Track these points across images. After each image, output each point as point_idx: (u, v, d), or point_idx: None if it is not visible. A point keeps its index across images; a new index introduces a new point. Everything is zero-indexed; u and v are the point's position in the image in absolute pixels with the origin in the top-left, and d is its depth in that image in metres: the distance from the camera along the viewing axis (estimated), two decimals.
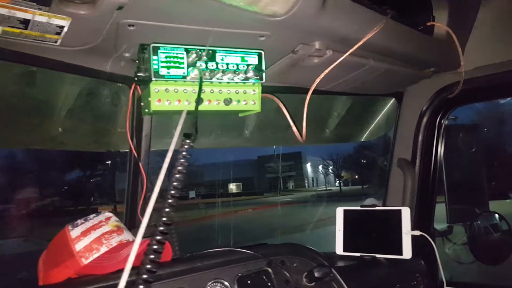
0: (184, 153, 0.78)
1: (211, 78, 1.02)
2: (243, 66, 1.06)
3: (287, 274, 1.23)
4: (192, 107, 0.97)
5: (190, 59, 0.98)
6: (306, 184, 44.72)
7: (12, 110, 1.31)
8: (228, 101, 1.06)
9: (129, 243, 1.12)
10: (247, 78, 1.07)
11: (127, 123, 1.24)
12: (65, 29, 0.84)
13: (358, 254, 1.61)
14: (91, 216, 1.16)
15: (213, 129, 1.88)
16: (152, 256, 0.67)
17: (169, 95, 0.97)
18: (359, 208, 1.69)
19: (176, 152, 0.77)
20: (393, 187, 1.82)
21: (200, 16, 0.89)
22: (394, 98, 1.93)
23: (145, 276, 0.66)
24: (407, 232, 1.53)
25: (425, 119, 1.74)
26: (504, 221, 1.89)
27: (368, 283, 1.44)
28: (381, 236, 1.60)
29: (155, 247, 0.68)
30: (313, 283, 1.24)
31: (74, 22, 0.83)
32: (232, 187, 42.31)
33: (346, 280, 1.31)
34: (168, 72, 0.96)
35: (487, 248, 1.87)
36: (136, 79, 0.99)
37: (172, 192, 0.73)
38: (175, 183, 0.74)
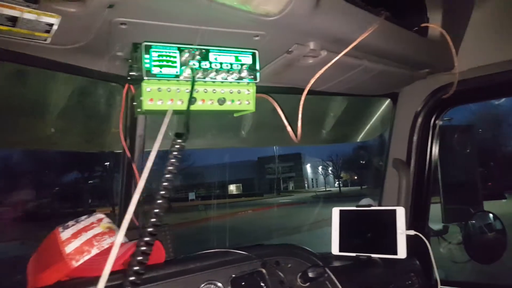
0: (175, 153, 0.77)
1: (204, 78, 1.01)
2: (237, 66, 1.06)
3: (282, 275, 1.22)
4: (185, 106, 0.97)
5: (183, 58, 0.98)
6: (306, 185, 44.79)
7: (2, 110, 1.30)
8: (222, 101, 1.05)
9: (122, 245, 1.11)
10: (241, 78, 1.06)
11: (120, 123, 1.23)
12: (55, 27, 0.83)
13: (354, 254, 1.61)
14: (83, 217, 1.15)
15: (209, 129, 1.88)
16: (140, 258, 0.66)
17: (162, 94, 0.97)
18: (354, 208, 1.69)
19: (164, 153, 0.76)
20: (389, 187, 1.82)
21: (193, 15, 0.88)
22: (389, 99, 1.93)
23: (132, 278, 0.66)
24: (401, 232, 1.53)
25: (419, 120, 1.75)
26: (498, 221, 1.90)
27: (363, 283, 1.44)
28: (376, 236, 1.60)
29: (143, 248, 0.67)
30: (307, 284, 1.24)
31: (64, 20, 0.82)
32: (232, 188, 42.31)
33: (341, 280, 1.31)
34: (161, 71, 0.95)
35: (482, 247, 1.88)
36: (128, 78, 0.99)
37: (162, 192, 0.72)
38: (165, 184, 0.73)
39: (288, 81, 1.40)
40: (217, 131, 1.88)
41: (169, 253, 1.35)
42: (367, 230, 1.63)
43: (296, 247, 1.36)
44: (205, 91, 1.03)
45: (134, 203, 0.65)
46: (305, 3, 0.92)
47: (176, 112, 1.00)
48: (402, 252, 1.52)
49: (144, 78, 0.94)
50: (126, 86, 1.18)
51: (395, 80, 1.65)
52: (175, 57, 0.97)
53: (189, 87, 0.97)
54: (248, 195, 36.60)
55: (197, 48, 0.99)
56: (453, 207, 2.10)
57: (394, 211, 1.57)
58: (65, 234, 1.10)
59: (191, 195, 34.43)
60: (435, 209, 2.03)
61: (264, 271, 1.19)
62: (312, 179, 46.34)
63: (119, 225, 1.33)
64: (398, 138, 1.81)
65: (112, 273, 0.98)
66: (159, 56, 0.95)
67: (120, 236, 0.63)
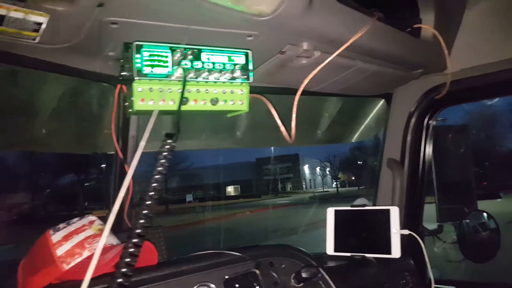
0: (165, 153, 0.76)
1: (196, 78, 1.01)
2: (230, 66, 1.06)
3: (275, 276, 1.22)
4: (177, 107, 0.96)
5: (175, 58, 0.97)
6: (304, 186, 44.83)
7: None
8: (215, 101, 1.05)
9: (113, 247, 1.10)
10: (234, 78, 1.06)
11: (112, 124, 1.22)
12: (43, 26, 0.82)
13: (349, 254, 1.60)
14: (74, 220, 1.13)
15: (204, 130, 1.87)
16: (128, 260, 0.66)
17: (153, 94, 0.96)
18: (349, 208, 1.69)
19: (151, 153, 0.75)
20: (383, 187, 1.82)
21: (185, 14, 0.88)
22: (383, 99, 1.94)
23: (120, 280, 0.65)
24: (396, 232, 1.53)
25: (413, 120, 1.76)
26: (492, 220, 1.91)
27: (358, 282, 1.44)
28: (371, 236, 1.60)
29: (131, 250, 0.66)
30: (301, 284, 1.23)
31: (53, 18, 0.81)
32: (230, 189, 42.26)
33: (335, 280, 1.31)
34: (152, 71, 0.94)
35: (476, 246, 1.88)
36: (120, 78, 0.98)
37: (151, 193, 0.72)
38: (154, 184, 0.72)
39: (282, 81, 1.40)
40: (212, 131, 1.88)
41: (163, 255, 1.34)
42: (361, 230, 1.63)
43: (290, 248, 1.36)
44: (198, 91, 1.02)
45: (117, 204, 0.65)
46: (298, 3, 0.92)
47: (167, 113, 1.00)
48: (396, 251, 1.52)
49: (135, 78, 0.93)
50: (118, 86, 1.17)
51: (388, 81, 1.66)
52: (166, 56, 0.96)
53: (182, 87, 0.96)
54: (246, 196, 36.57)
55: (189, 48, 0.99)
56: (447, 206, 2.11)
57: (388, 210, 1.57)
58: (56, 236, 1.08)
59: (189, 197, 34.34)
60: (430, 209, 2.03)
61: (257, 272, 1.18)
62: (310, 180, 46.40)
63: (111, 228, 1.32)
64: (392, 138, 1.82)
65: (103, 276, 0.98)
66: (150, 55, 0.94)
67: (103, 239, 0.62)
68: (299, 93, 1.15)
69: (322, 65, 1.16)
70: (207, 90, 1.03)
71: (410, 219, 1.75)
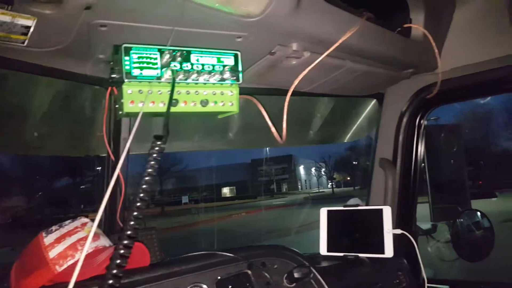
0: (154, 155, 0.77)
1: (186, 79, 1.01)
2: (219, 67, 1.06)
3: (268, 276, 1.22)
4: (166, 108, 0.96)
5: (164, 60, 0.97)
6: (299, 186, 44.85)
7: None
8: (204, 103, 1.05)
9: (106, 249, 1.10)
10: (223, 79, 1.06)
11: (104, 127, 1.22)
12: (32, 29, 0.83)
13: (342, 254, 1.61)
14: (67, 222, 1.13)
15: (196, 131, 1.87)
16: (118, 261, 0.66)
17: (143, 96, 0.96)
18: (342, 208, 1.70)
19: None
20: (376, 187, 1.83)
21: (173, 16, 0.88)
22: (375, 99, 1.95)
23: (110, 281, 0.65)
24: (388, 231, 1.54)
25: (405, 120, 1.77)
26: (486, 219, 1.92)
27: (351, 282, 1.44)
28: (364, 236, 1.61)
29: (121, 252, 0.66)
30: (293, 284, 1.24)
31: (40, 22, 0.81)
32: (226, 191, 42.21)
33: (327, 280, 1.31)
34: (141, 73, 0.95)
35: (470, 245, 1.90)
36: (110, 80, 0.98)
37: (141, 195, 0.72)
38: (144, 186, 0.73)
39: (272, 82, 1.41)
40: (204, 133, 1.88)
41: (156, 256, 1.34)
42: (354, 230, 1.64)
43: (282, 248, 1.36)
44: (188, 92, 1.03)
45: (103, 207, 0.65)
46: (286, 4, 0.93)
47: (158, 115, 1.00)
48: (389, 251, 1.53)
49: (125, 80, 0.93)
50: (109, 88, 1.17)
51: (379, 81, 1.67)
52: (155, 58, 0.96)
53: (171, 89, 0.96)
54: (241, 197, 36.53)
55: (178, 50, 0.99)
56: (441, 206, 2.12)
57: (381, 210, 1.58)
58: (48, 239, 1.08)
59: (184, 199, 34.25)
60: (425, 209, 2.05)
61: (250, 272, 1.19)
62: (305, 181, 46.45)
63: (104, 230, 1.32)
64: (384, 138, 1.83)
65: (95, 278, 0.98)
66: (139, 58, 0.94)
67: (88, 241, 0.62)
68: (289, 93, 1.15)
69: (312, 65, 1.16)
70: (197, 91, 1.04)
71: (403, 219, 1.76)
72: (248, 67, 1.25)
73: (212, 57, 1.05)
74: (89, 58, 1.07)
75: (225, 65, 1.07)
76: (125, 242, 0.69)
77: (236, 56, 1.08)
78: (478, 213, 1.95)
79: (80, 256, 1.04)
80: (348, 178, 40.34)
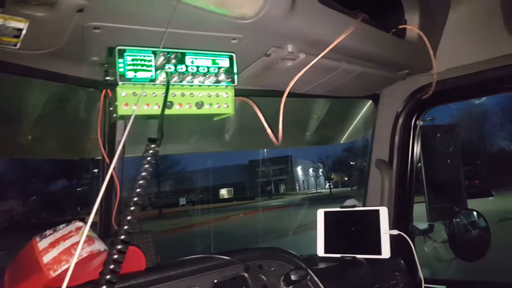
0: (148, 158, 0.76)
1: (181, 81, 1.00)
2: (214, 69, 1.06)
3: (265, 278, 1.22)
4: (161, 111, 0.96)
5: (158, 62, 0.97)
6: (297, 187, 44.89)
7: None
8: (200, 105, 1.05)
9: (101, 253, 1.09)
10: (218, 81, 1.06)
11: (98, 129, 1.21)
12: (24, 32, 0.82)
13: (339, 255, 1.61)
14: (61, 226, 1.12)
15: (192, 133, 1.87)
16: (112, 266, 0.65)
17: (137, 99, 0.95)
18: (339, 209, 1.70)
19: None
20: (372, 188, 1.83)
21: (167, 18, 0.88)
22: (371, 100, 1.95)
23: (104, 287, 0.64)
24: (385, 232, 1.54)
25: (400, 120, 1.77)
26: (482, 218, 1.93)
27: (348, 284, 1.44)
28: (361, 237, 1.61)
29: (115, 257, 0.65)
30: (290, 286, 1.23)
31: (33, 24, 0.81)
32: (224, 192, 42.16)
33: (325, 281, 1.31)
34: (135, 76, 0.94)
35: (466, 245, 1.90)
36: (104, 83, 0.98)
37: (135, 199, 0.71)
38: (138, 190, 0.72)
39: (268, 84, 1.40)
40: (200, 135, 1.87)
41: (152, 260, 1.33)
42: (351, 231, 1.64)
43: (279, 250, 1.36)
44: (183, 95, 1.02)
45: (94, 210, 0.64)
46: (280, 5, 0.93)
47: (153, 117, 0.99)
48: (386, 252, 1.53)
49: (119, 82, 0.93)
50: (104, 91, 1.17)
51: (375, 82, 1.67)
52: (150, 61, 0.96)
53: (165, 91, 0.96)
54: (239, 199, 36.51)
55: (172, 52, 0.99)
56: (437, 206, 2.13)
57: (377, 211, 1.58)
58: (42, 243, 1.07)
59: (182, 200, 34.18)
60: (421, 208, 2.05)
61: (246, 275, 1.18)
62: (303, 181, 46.51)
63: (99, 234, 1.31)
64: (380, 139, 1.83)
65: (89, 282, 0.97)
66: (133, 60, 0.94)
67: (79, 247, 0.62)
68: (285, 95, 1.15)
69: (308, 67, 1.16)
70: (192, 93, 1.03)
71: (400, 219, 1.76)
72: (243, 69, 1.25)
73: (207, 59, 1.04)
74: (84, 61, 1.07)
75: (220, 67, 1.06)
76: (119, 247, 0.68)
77: (231, 58, 1.08)
78: (475, 213, 1.96)
79: (74, 260, 1.03)
80: (346, 179, 40.44)
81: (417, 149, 1.84)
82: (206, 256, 1.22)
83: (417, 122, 1.80)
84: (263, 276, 1.21)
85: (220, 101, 1.08)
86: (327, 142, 2.52)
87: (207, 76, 1.03)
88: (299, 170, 46.06)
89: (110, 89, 1.08)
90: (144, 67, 0.95)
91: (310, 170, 45.30)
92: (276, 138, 1.15)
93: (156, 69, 0.96)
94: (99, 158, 1.42)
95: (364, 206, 1.87)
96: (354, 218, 1.65)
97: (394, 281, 1.58)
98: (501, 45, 1.47)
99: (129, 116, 0.98)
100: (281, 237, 11.88)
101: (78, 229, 1.13)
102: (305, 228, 11.57)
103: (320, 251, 1.65)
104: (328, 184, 41.72)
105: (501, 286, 1.98)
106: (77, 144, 1.57)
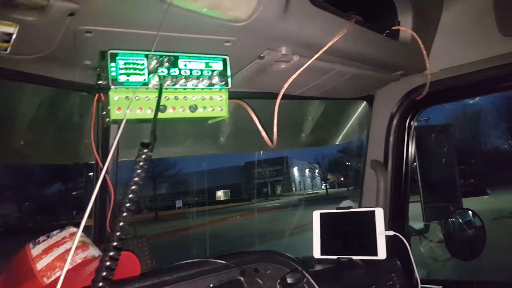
0: (141, 163, 0.75)
1: (174, 85, 1.00)
2: (208, 72, 1.05)
3: (261, 282, 1.21)
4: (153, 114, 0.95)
5: (151, 65, 0.96)
6: (294, 188, 44.92)
7: None
8: (193, 108, 1.04)
9: (95, 259, 1.08)
10: (212, 84, 1.06)
11: (92, 134, 1.20)
12: (14, 36, 0.81)
13: (335, 257, 1.61)
14: (54, 232, 1.11)
15: (187, 136, 1.86)
16: (104, 273, 0.64)
17: (129, 103, 0.95)
18: (334, 211, 1.69)
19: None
20: (368, 189, 1.83)
21: (159, 21, 0.87)
22: (365, 101, 1.95)
23: None
24: (381, 233, 1.54)
25: (395, 121, 1.77)
26: (477, 217, 1.94)
27: (344, 285, 1.44)
28: (357, 238, 1.61)
29: (107, 264, 0.64)
30: None
31: (23, 29, 0.80)
32: (220, 194, 42.10)
33: (321, 284, 1.31)
34: (128, 79, 0.93)
35: (462, 244, 1.91)
36: (97, 87, 0.97)
37: (128, 205, 0.70)
38: (130, 196, 0.71)
39: (262, 86, 1.40)
40: (195, 138, 1.86)
41: (147, 265, 1.32)
42: (347, 233, 1.64)
43: (275, 253, 1.35)
44: (176, 98, 1.01)
45: (86, 216, 0.63)
46: (273, 8, 0.93)
47: (145, 121, 0.99)
48: (382, 253, 1.53)
49: (111, 86, 0.92)
50: (97, 95, 1.16)
51: (369, 83, 1.68)
52: (142, 64, 0.95)
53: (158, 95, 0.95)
54: (236, 200, 36.47)
55: (165, 55, 0.98)
56: (432, 205, 2.14)
57: (373, 212, 1.58)
58: (36, 250, 1.06)
59: (178, 203, 34.08)
60: (417, 208, 2.06)
61: (242, 279, 1.17)
62: (299, 182, 46.56)
63: (94, 239, 1.30)
64: (375, 140, 1.83)
65: None
66: (125, 64, 0.93)
67: (71, 254, 0.61)
68: (279, 97, 1.15)
69: (302, 69, 1.16)
70: (185, 97, 1.02)
71: (395, 220, 1.76)
72: (237, 71, 1.25)
73: (200, 62, 1.04)
74: (76, 65, 1.06)
75: (214, 70, 1.06)
76: (111, 253, 0.67)
77: (224, 61, 1.08)
78: (470, 212, 1.97)
79: (68, 267, 1.02)
80: (342, 179, 40.53)
81: (411, 149, 1.85)
82: (201, 260, 1.21)
83: (412, 122, 1.81)
84: (259, 280, 1.21)
85: (214, 104, 1.07)
86: (322, 144, 2.53)
87: (201, 79, 1.03)
88: (295, 171, 46.11)
89: (103, 93, 1.08)
90: (137, 71, 0.94)
91: (306, 171, 45.38)
92: (271, 140, 1.14)
93: (149, 73, 0.96)
94: (93, 162, 1.41)
95: (359, 207, 1.87)
96: (350, 219, 1.65)
97: (391, 282, 1.57)
98: (494, 46, 1.48)
99: (121, 121, 0.97)
100: (278, 238, 11.88)
101: (72, 234, 1.12)
102: (301, 229, 11.56)
103: (316, 253, 1.65)
104: (324, 184, 41.80)
105: (497, 285, 1.99)
106: (71, 149, 1.56)
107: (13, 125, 1.36)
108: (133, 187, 0.73)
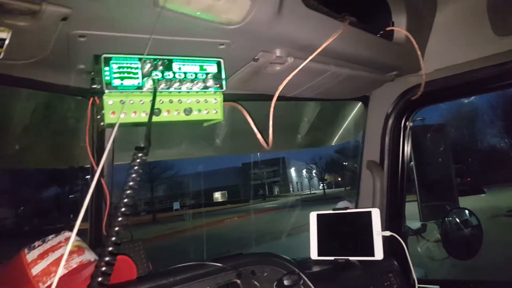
0: (135, 167, 0.75)
1: (168, 88, 1.00)
2: (202, 75, 1.05)
3: (257, 284, 1.21)
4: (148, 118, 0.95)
5: (145, 69, 0.96)
6: (291, 188, 44.95)
7: None
8: (188, 111, 1.04)
9: (91, 264, 1.07)
10: (206, 87, 1.06)
11: (87, 137, 1.20)
12: (7, 42, 0.80)
13: (332, 258, 1.61)
14: (50, 237, 1.10)
15: (183, 139, 1.86)
16: (100, 279, 0.64)
17: (124, 107, 0.94)
18: (331, 212, 1.69)
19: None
20: (364, 189, 1.84)
21: (152, 25, 0.87)
22: (360, 102, 1.96)
23: None
24: (378, 233, 1.54)
25: (390, 122, 1.78)
26: (474, 217, 1.95)
27: (341, 286, 1.44)
28: (354, 239, 1.61)
29: (103, 269, 0.64)
30: None
31: (16, 34, 0.79)
32: (217, 196, 42.06)
33: (318, 285, 1.31)
34: (122, 83, 0.93)
35: (459, 243, 1.91)
36: (91, 91, 0.97)
37: (123, 209, 0.70)
38: (125, 200, 0.71)
39: (257, 88, 1.40)
40: (191, 140, 1.86)
41: (144, 269, 1.31)
42: (344, 233, 1.64)
43: (272, 255, 1.35)
44: (171, 101, 1.01)
45: (79, 220, 0.63)
46: (267, 10, 0.93)
47: (139, 125, 0.98)
48: (379, 253, 1.53)
49: (105, 91, 0.92)
50: (91, 99, 1.15)
51: (364, 84, 1.68)
52: (136, 68, 0.95)
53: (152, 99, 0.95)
54: (233, 201, 36.45)
55: (159, 58, 0.98)
56: (429, 205, 2.14)
57: (370, 212, 1.58)
58: (31, 255, 1.05)
59: (176, 205, 34.00)
60: (414, 207, 2.06)
61: (239, 282, 1.17)
62: (296, 183, 46.59)
63: (90, 243, 1.29)
64: (371, 140, 1.84)
65: None
66: (119, 67, 0.93)
67: (64, 259, 0.61)
68: (274, 99, 1.15)
69: (296, 71, 1.16)
70: (180, 100, 1.02)
71: (392, 220, 1.76)
72: (232, 74, 1.25)
73: (195, 65, 1.04)
74: (70, 69, 1.05)
75: (208, 73, 1.06)
76: (107, 258, 0.67)
77: (219, 64, 1.08)
78: (467, 211, 1.98)
79: (64, 271, 1.02)
80: (339, 179, 40.61)
81: (407, 149, 1.85)
82: (198, 263, 1.20)
83: (407, 123, 1.81)
84: (256, 282, 1.21)
85: (208, 107, 1.07)
86: (318, 145, 2.53)
87: (195, 82, 1.03)
88: (292, 171, 46.16)
89: (97, 97, 1.07)
90: (131, 75, 0.94)
91: (304, 171, 45.44)
92: (266, 142, 1.14)
93: (143, 76, 0.96)
94: (88, 166, 1.40)
95: (356, 207, 1.87)
96: (347, 220, 1.65)
97: (388, 283, 1.58)
98: (488, 45, 1.49)
99: (116, 124, 0.97)
100: (275, 239, 11.88)
101: (68, 239, 1.11)
102: (298, 230, 11.57)
103: (314, 254, 1.65)
104: (321, 185, 41.86)
105: (493, 284, 1.99)
106: (66, 153, 1.56)
107: (8, 130, 1.35)
108: (128, 192, 0.72)
